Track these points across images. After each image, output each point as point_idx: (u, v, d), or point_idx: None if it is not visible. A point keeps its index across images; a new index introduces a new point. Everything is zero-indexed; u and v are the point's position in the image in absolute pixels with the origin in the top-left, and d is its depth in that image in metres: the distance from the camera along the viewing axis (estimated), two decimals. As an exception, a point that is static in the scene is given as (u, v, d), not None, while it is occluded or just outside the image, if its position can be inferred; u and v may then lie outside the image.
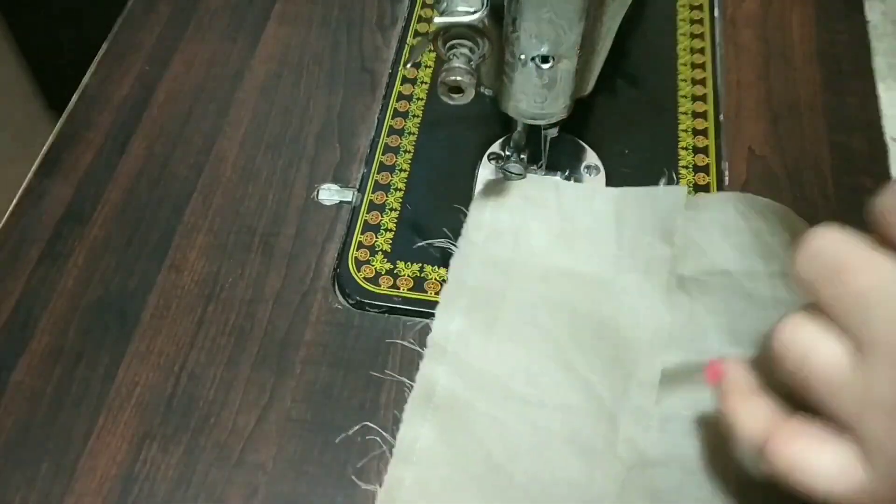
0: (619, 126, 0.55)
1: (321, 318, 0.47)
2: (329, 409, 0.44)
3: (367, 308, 0.47)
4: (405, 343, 0.46)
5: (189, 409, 0.44)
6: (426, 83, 0.58)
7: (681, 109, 0.55)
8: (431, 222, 0.50)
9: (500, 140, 0.54)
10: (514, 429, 0.42)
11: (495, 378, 0.44)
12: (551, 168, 0.52)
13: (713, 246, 0.47)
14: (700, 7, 0.62)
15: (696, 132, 0.54)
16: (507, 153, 0.51)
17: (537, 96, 0.45)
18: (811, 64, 0.58)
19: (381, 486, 0.40)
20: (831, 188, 0.51)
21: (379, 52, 0.61)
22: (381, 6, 0.64)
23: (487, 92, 0.48)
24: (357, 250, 0.50)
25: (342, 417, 0.43)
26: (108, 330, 0.47)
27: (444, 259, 0.49)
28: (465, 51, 0.42)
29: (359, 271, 0.49)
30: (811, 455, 0.30)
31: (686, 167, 0.52)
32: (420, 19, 0.63)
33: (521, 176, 0.50)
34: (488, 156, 0.53)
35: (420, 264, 0.49)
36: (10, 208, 0.53)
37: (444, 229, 0.49)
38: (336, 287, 0.48)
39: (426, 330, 0.45)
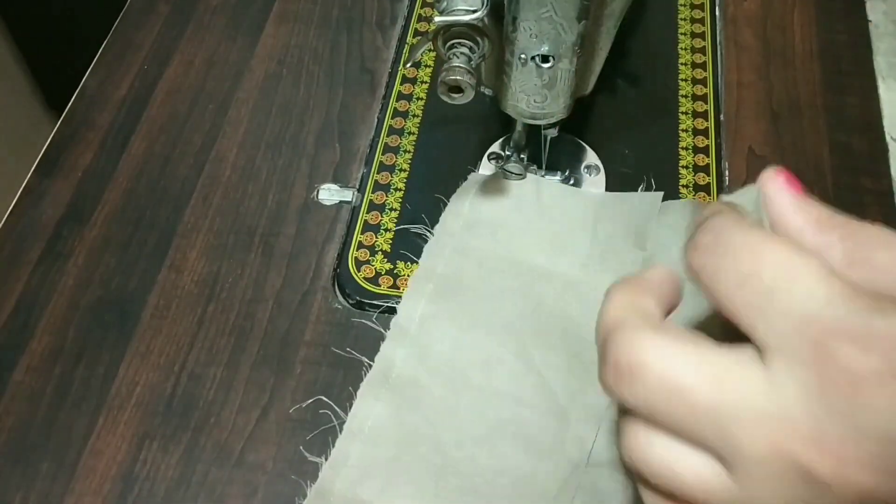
0: (619, 126, 0.55)
1: (321, 318, 0.47)
2: (329, 409, 0.44)
3: (367, 308, 0.47)
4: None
5: (189, 409, 0.44)
6: (426, 83, 0.58)
7: (681, 109, 0.55)
8: (431, 222, 0.50)
9: (500, 140, 0.54)
10: (465, 416, 0.42)
11: (453, 365, 0.44)
12: (551, 168, 0.52)
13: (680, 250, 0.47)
14: (700, 6, 0.62)
15: (696, 132, 0.54)
16: (507, 153, 0.51)
17: (537, 96, 0.45)
18: (811, 64, 0.58)
19: (325, 459, 0.41)
20: (831, 188, 0.51)
21: (379, 52, 0.61)
22: (381, 6, 0.64)
23: (487, 91, 0.48)
24: (357, 250, 0.50)
25: (342, 418, 0.43)
26: (108, 330, 0.47)
27: (444, 259, 0.49)
28: (465, 50, 0.42)
29: (359, 271, 0.49)
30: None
31: (686, 167, 0.52)
32: (420, 18, 0.62)
33: (521, 176, 0.50)
34: (488, 156, 0.53)
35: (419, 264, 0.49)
36: (10, 208, 0.53)
37: (444, 229, 0.49)
38: (336, 287, 0.48)
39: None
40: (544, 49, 0.42)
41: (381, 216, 0.51)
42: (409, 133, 0.55)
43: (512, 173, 0.50)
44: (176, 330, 0.47)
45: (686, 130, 0.54)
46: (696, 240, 0.26)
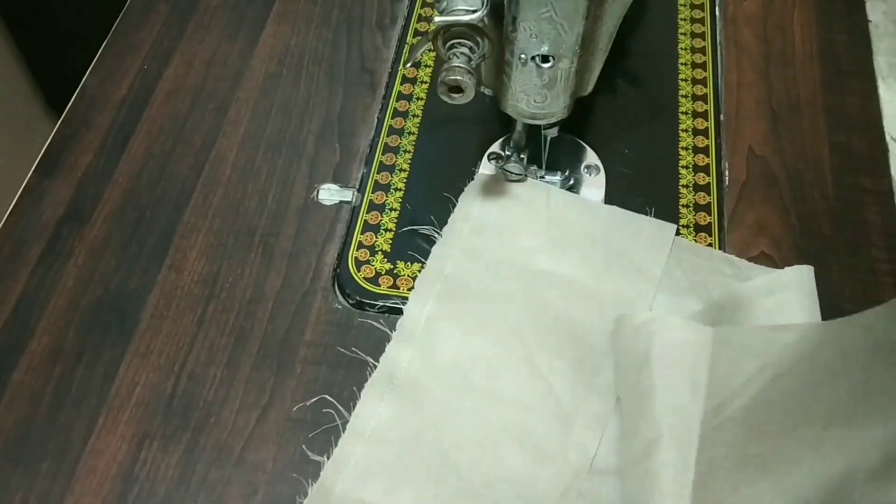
0: (619, 126, 0.55)
1: (321, 318, 0.47)
2: (331, 408, 0.44)
3: (367, 308, 0.47)
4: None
5: (189, 409, 0.44)
6: (426, 83, 0.58)
7: (681, 109, 0.55)
8: (431, 222, 0.50)
9: (500, 140, 0.54)
10: (468, 419, 0.42)
11: (458, 367, 0.44)
12: (551, 168, 0.52)
13: (695, 290, 0.47)
14: (700, 7, 0.62)
15: (696, 132, 0.54)
16: (507, 153, 0.51)
17: (537, 96, 0.45)
18: (811, 64, 0.58)
19: (327, 458, 0.41)
20: (831, 188, 0.51)
21: (379, 52, 0.61)
22: (381, 6, 0.64)
23: (487, 92, 0.48)
24: (357, 250, 0.50)
25: (345, 417, 0.43)
26: (108, 330, 0.47)
27: (444, 259, 0.49)
28: (465, 50, 0.42)
29: (359, 271, 0.49)
30: None
31: (686, 167, 0.52)
32: (420, 18, 0.63)
33: (521, 176, 0.51)
34: (488, 156, 0.53)
35: (420, 264, 0.49)
36: (10, 208, 0.53)
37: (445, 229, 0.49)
38: (336, 287, 0.48)
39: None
40: (544, 49, 0.42)
41: (381, 216, 0.51)
42: (409, 133, 0.55)
43: (512, 173, 0.50)
44: (176, 330, 0.47)
45: (686, 130, 0.54)
46: None
